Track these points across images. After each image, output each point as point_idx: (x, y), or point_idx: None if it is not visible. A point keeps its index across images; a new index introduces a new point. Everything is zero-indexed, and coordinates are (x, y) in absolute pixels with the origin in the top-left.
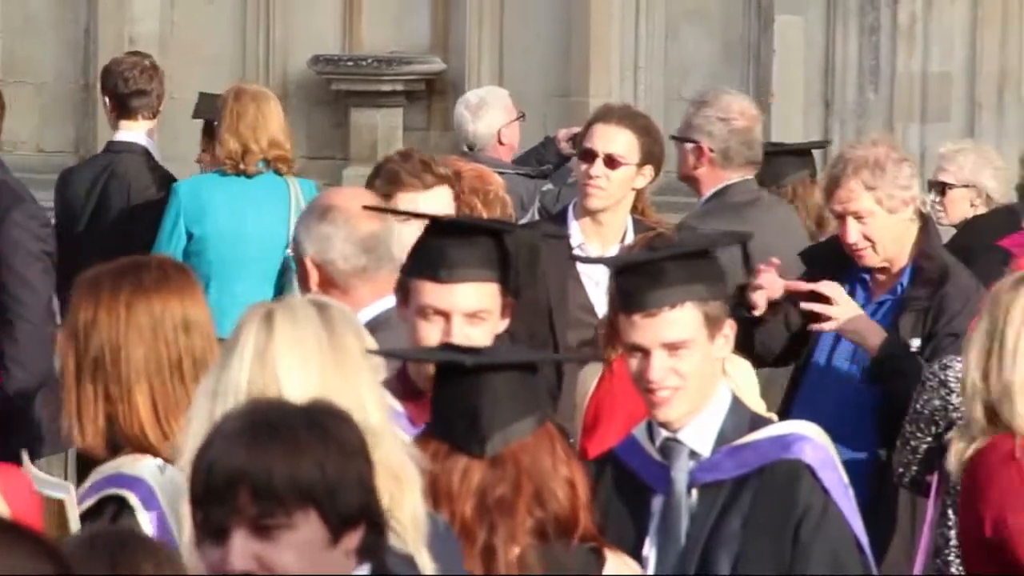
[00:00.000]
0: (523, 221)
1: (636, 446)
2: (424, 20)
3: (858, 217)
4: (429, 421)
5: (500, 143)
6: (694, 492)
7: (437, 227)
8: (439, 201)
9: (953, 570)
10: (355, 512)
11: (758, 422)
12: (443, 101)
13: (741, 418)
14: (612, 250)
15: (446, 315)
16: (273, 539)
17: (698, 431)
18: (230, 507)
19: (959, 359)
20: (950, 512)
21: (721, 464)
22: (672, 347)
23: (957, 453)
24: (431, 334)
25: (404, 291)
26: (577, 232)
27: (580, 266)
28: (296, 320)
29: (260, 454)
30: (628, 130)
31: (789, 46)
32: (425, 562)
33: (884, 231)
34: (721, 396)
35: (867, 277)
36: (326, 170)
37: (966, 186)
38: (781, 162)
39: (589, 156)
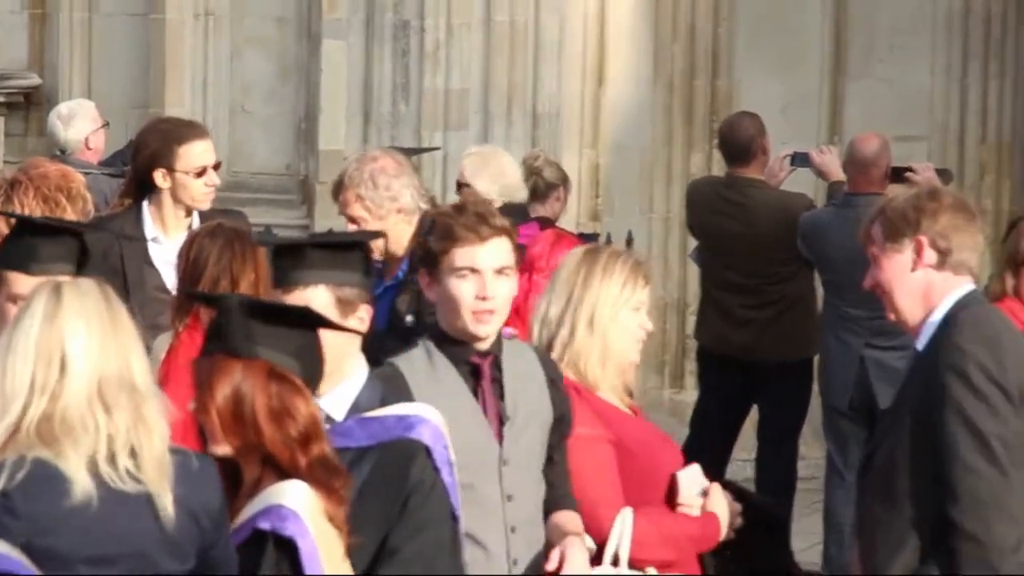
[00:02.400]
0: (106, 213)
1: None
2: (22, 41)
3: (354, 222)
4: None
5: (88, 148)
6: None
7: (26, 226)
8: (497, 254)
9: None
10: None
11: (388, 398)
12: (39, 111)
13: (374, 393)
14: (180, 238)
15: None
16: None
17: (337, 400)
18: None
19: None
20: None
21: (352, 432)
22: None
23: None
24: None
25: None
26: (151, 225)
27: (153, 253)
28: (82, 294)
29: None
30: (208, 140)
31: (334, 66)
32: (166, 500)
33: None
34: (359, 371)
35: (380, 266)
36: None
37: (467, 186)
38: None
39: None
